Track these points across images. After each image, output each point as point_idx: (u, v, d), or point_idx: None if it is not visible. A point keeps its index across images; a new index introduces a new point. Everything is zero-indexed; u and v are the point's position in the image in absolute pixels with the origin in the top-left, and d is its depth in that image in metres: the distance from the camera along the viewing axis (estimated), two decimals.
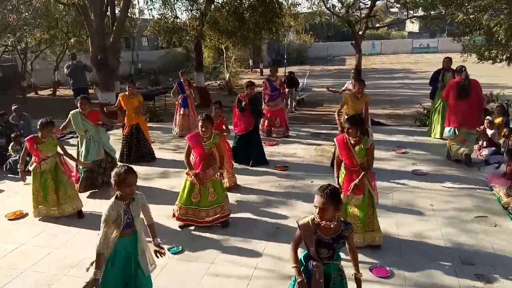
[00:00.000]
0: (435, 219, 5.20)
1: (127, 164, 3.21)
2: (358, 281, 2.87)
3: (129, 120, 7.63)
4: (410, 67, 27.22)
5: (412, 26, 47.31)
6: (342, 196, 4.26)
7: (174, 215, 5.23)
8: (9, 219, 5.65)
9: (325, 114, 11.90)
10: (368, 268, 4.14)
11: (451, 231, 4.89)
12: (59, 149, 5.56)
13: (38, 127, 5.31)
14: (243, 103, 7.22)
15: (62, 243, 4.89)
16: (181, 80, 9.73)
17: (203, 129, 4.84)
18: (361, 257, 4.32)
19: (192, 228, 5.15)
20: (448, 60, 8.71)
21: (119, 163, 6.61)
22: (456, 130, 7.01)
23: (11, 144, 8.07)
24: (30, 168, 5.50)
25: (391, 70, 25.85)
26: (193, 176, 4.90)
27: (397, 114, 11.82)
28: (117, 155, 7.30)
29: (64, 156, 5.67)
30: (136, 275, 3.19)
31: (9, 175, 7.49)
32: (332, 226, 2.72)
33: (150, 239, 3.39)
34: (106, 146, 6.47)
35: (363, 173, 4.30)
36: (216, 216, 5.06)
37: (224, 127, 6.29)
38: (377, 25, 21.15)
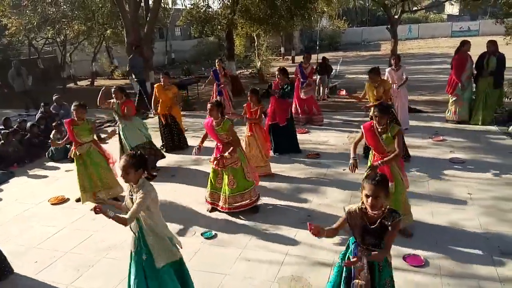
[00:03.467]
0: (473, 208, 5.03)
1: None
2: (373, 256, 2.68)
3: (162, 109, 7.83)
4: (449, 52, 26.02)
5: (452, 8, 45.22)
6: None
7: (206, 200, 5.39)
8: (52, 204, 5.96)
9: (358, 102, 11.61)
10: (401, 256, 4.08)
11: (490, 220, 4.72)
12: (95, 137, 5.76)
13: (72, 108, 5.55)
14: (272, 90, 7.24)
15: (101, 226, 5.10)
16: (217, 68, 9.81)
17: (208, 111, 4.97)
18: (394, 245, 4.27)
19: (224, 213, 5.24)
20: (490, 44, 8.29)
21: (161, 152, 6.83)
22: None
23: (53, 132, 8.44)
24: (72, 155, 5.75)
25: (429, 54, 24.86)
26: (214, 162, 5.09)
27: (435, 100, 11.39)
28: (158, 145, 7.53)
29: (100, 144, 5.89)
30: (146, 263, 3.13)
31: (51, 162, 7.85)
32: (379, 214, 2.64)
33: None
34: (143, 132, 6.57)
35: (390, 157, 4.15)
36: (235, 205, 5.12)
37: (258, 114, 6.21)
38: (414, 8, 20.34)
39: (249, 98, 6.17)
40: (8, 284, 4.07)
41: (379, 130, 4.23)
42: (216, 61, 10.08)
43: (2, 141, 7.82)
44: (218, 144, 5.14)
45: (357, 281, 2.80)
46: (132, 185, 3.08)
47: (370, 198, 2.58)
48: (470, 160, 6.62)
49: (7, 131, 8.24)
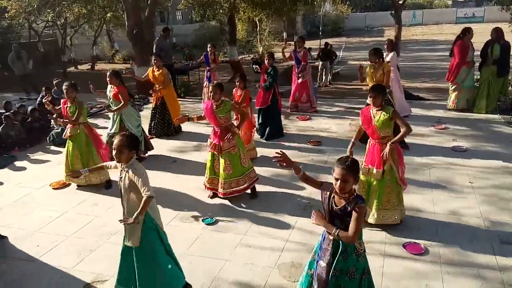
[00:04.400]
0: (474, 196, 5.03)
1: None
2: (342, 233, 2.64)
3: (155, 92, 7.86)
4: (453, 38, 25.84)
5: None
6: (362, 168, 4.25)
7: (205, 186, 5.41)
8: (54, 188, 5.98)
9: (361, 89, 11.58)
10: (401, 244, 4.10)
11: (490, 209, 4.72)
12: (86, 122, 5.80)
13: (63, 88, 5.63)
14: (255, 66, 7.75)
15: (103, 211, 5.13)
16: (208, 52, 9.67)
17: (211, 94, 4.91)
18: (395, 233, 4.30)
19: (225, 200, 5.25)
20: (494, 31, 8.19)
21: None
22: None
23: (54, 115, 8.40)
24: (65, 136, 5.84)
25: (433, 41, 24.64)
26: (210, 146, 5.15)
27: (438, 88, 11.32)
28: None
29: (95, 129, 5.97)
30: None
31: (52, 146, 7.85)
32: (345, 197, 2.66)
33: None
34: (125, 121, 6.40)
35: (388, 145, 4.13)
36: (231, 190, 5.13)
37: (243, 99, 6.29)
38: None
39: (237, 83, 6.29)
40: (10, 267, 4.11)
41: (374, 112, 4.19)
42: (209, 45, 9.92)
43: (4, 123, 7.80)
44: (216, 128, 5.10)
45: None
46: (122, 165, 3.16)
47: (339, 181, 2.62)
48: (472, 148, 6.60)
49: (8, 114, 8.21)
